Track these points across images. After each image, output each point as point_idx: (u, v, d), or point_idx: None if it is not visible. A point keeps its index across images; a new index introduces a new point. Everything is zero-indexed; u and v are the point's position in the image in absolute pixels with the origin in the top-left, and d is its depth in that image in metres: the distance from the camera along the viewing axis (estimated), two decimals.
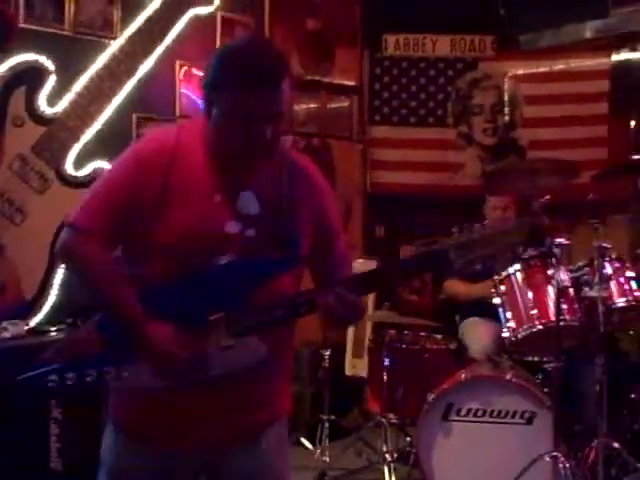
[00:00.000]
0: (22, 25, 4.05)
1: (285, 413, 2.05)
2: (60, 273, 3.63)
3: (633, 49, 5.70)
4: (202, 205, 1.86)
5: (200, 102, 1.91)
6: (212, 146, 1.89)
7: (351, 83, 5.99)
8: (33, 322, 3.61)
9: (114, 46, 3.84)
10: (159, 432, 1.91)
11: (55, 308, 3.66)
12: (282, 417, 2.04)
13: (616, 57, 5.74)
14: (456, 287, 4.44)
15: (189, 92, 4.80)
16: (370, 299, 5.48)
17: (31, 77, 3.67)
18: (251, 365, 1.85)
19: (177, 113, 4.79)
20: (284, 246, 1.86)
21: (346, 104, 5.98)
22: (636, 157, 3.86)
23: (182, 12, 3.95)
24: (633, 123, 5.69)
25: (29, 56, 3.68)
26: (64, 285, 3.64)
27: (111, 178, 1.92)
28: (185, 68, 4.78)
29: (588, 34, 5.63)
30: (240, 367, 1.85)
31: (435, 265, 1.90)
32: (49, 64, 3.70)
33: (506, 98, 6.01)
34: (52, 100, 3.70)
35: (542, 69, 5.93)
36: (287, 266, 1.89)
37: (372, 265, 5.48)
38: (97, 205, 1.87)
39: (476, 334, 4.17)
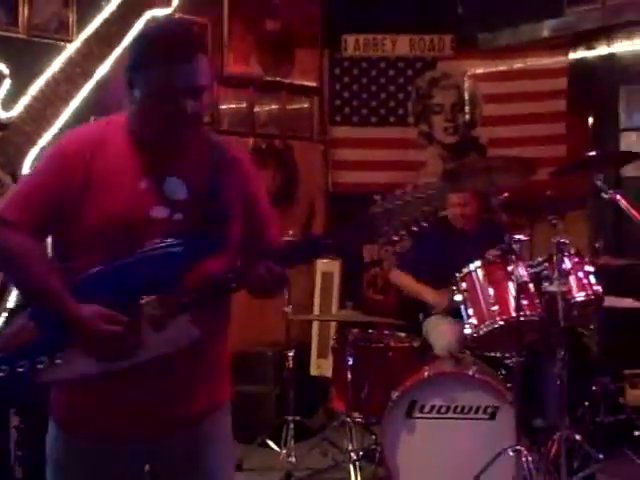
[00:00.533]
0: None
1: (225, 401, 2.06)
2: None
3: (589, 47, 5.77)
4: (127, 192, 1.89)
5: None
6: (136, 132, 1.93)
7: (311, 84, 5.98)
8: None
9: (70, 49, 3.79)
10: (97, 424, 1.92)
11: (13, 314, 3.60)
12: (222, 405, 2.05)
13: (573, 55, 5.80)
14: (400, 278, 4.52)
15: None
16: (334, 300, 5.51)
17: None
18: (184, 346, 1.87)
19: None
20: (213, 229, 1.90)
21: (306, 105, 5.97)
22: (593, 154, 3.89)
23: (139, 14, 3.91)
24: (590, 120, 5.77)
25: None
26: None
27: (36, 173, 1.99)
28: None
29: (545, 33, 5.68)
30: (173, 349, 1.86)
31: (362, 233, 1.94)
32: (3, 68, 3.66)
33: (466, 97, 6.05)
34: (7, 104, 3.65)
35: (500, 68, 5.97)
36: (216, 248, 1.91)
37: (336, 265, 5.55)
38: (22, 198, 1.92)
39: (440, 331, 4.19)
